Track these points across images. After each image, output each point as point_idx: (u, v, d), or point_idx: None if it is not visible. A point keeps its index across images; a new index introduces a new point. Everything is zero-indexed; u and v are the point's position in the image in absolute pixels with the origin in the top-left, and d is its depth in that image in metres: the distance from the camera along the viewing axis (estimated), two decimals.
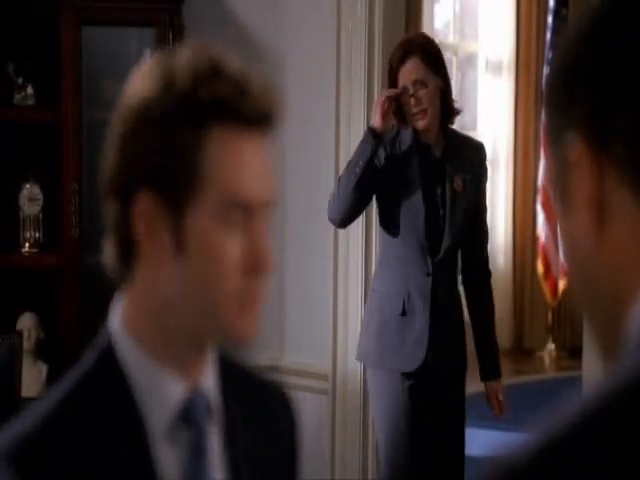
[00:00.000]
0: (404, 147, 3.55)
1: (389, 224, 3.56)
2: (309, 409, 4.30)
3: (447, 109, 3.58)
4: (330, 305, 4.22)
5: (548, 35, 7.81)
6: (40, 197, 4.17)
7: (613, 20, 0.89)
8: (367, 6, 4.15)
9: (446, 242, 3.52)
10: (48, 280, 4.15)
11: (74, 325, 4.07)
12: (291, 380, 4.34)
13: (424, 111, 3.52)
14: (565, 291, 7.78)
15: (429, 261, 3.50)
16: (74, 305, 4.07)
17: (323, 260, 4.25)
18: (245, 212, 1.21)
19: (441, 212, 3.53)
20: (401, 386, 3.53)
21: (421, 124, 3.53)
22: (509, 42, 8.33)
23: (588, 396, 0.82)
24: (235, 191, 1.19)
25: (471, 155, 3.61)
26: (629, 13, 0.88)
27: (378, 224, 3.64)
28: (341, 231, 4.19)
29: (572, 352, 7.75)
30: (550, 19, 7.81)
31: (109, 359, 1.24)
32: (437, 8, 7.82)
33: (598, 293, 0.90)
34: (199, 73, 1.20)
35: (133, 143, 1.21)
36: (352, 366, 4.17)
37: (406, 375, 3.53)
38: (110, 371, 1.23)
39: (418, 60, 3.53)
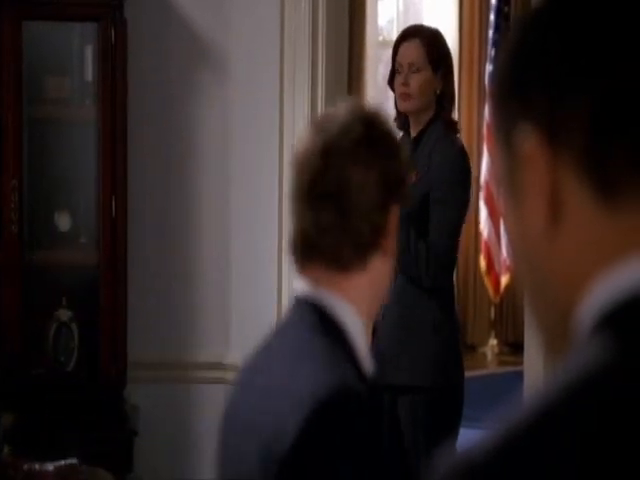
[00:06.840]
0: None
1: None
2: None
3: (442, 114, 3.43)
4: (274, 302, 4.21)
5: (490, 33, 7.85)
6: None
7: (572, 5, 0.86)
8: (311, 3, 4.14)
9: None
10: None
11: (15, 323, 4.02)
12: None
13: (408, 95, 3.41)
14: (507, 287, 7.83)
15: None
16: (15, 303, 4.02)
17: (268, 257, 4.24)
18: None
19: None
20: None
21: (403, 105, 3.43)
22: (452, 40, 8.36)
23: (541, 392, 0.81)
24: None
25: (437, 157, 3.40)
26: None
27: None
28: (285, 228, 4.18)
29: (514, 347, 7.81)
30: (492, 17, 7.86)
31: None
32: (381, 5, 7.83)
33: (548, 290, 0.88)
34: None
35: None
36: None
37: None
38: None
39: (418, 43, 3.41)
